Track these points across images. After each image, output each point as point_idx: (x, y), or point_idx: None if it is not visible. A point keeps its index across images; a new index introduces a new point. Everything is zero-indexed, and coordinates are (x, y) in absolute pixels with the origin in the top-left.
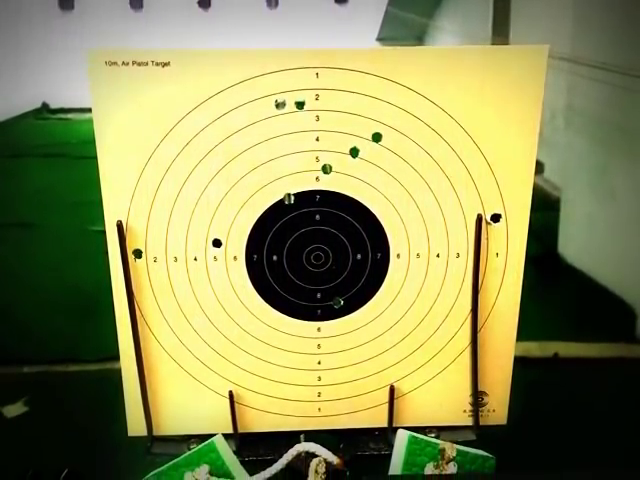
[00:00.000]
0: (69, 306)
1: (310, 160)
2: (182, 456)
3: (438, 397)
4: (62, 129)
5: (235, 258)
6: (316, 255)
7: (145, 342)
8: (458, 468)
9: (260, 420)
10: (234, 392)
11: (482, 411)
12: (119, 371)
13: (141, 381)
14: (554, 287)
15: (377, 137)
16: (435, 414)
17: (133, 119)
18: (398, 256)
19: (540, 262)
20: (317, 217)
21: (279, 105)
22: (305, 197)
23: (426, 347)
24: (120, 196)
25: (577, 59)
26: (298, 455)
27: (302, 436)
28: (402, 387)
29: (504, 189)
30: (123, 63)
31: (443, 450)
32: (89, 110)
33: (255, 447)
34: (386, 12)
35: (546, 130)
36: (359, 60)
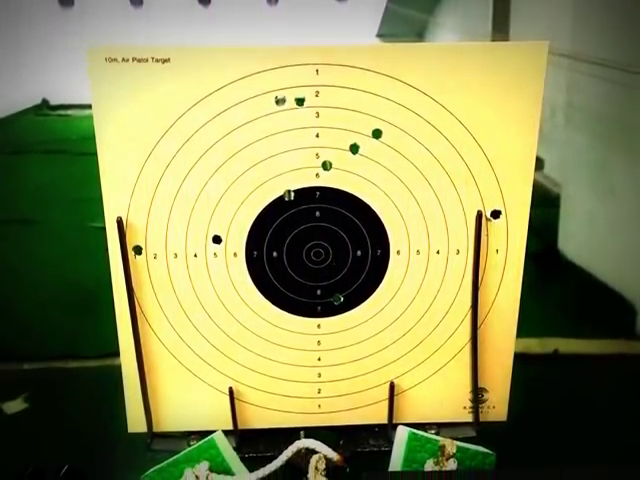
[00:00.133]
0: (69, 302)
1: (310, 156)
2: (182, 452)
3: (438, 394)
4: (62, 125)
5: (235, 255)
6: (316, 252)
7: (145, 338)
8: (458, 464)
9: (260, 416)
10: (234, 388)
11: (482, 407)
12: (119, 367)
13: (141, 377)
14: (554, 283)
15: (377, 134)
16: (435, 411)
17: (133, 115)
18: (398, 253)
19: (540, 258)
20: (317, 214)
21: (279, 102)
22: (305, 194)
23: (426, 344)
24: (120, 192)
25: (577, 56)
26: (298, 452)
27: (302, 433)
28: (402, 384)
29: (504, 185)
30: (123, 59)
31: (443, 446)
32: (89, 106)
33: (255, 444)
34: (386, 9)
35: (546, 126)
36: (359, 57)
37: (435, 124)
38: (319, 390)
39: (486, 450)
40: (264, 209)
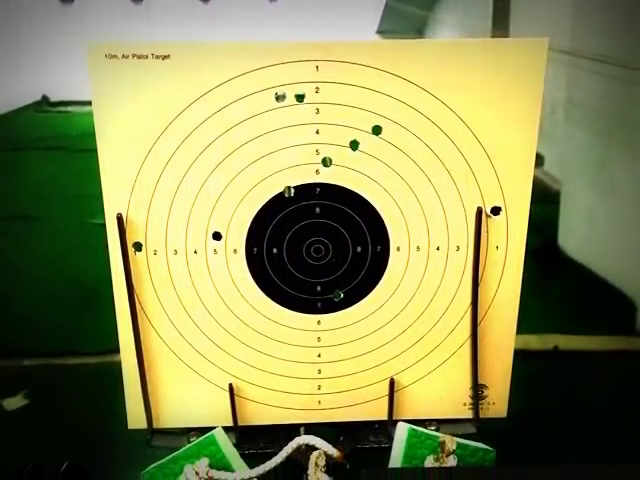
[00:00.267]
0: (69, 299)
1: (310, 153)
2: (182, 449)
3: (438, 390)
4: (62, 122)
5: (235, 251)
6: (316, 248)
7: (145, 335)
8: (458, 461)
9: (260, 413)
10: (234, 385)
11: (482, 404)
12: (119, 364)
13: (141, 374)
14: (554, 280)
15: (377, 130)
16: (435, 407)
17: (133, 112)
18: (398, 249)
19: (540, 255)
20: (317, 210)
21: (279, 98)
22: (305, 190)
23: (426, 340)
24: (120, 189)
25: (577, 52)
26: (298, 448)
27: (302, 429)
28: (402, 380)
29: (504, 182)
30: (123, 56)
31: (443, 443)
32: (89, 103)
33: (255, 440)
34: (386, 5)
35: (546, 123)
36: (359, 53)
37: (435, 120)
38: (319, 386)
39: (486, 446)
40: (264, 205)
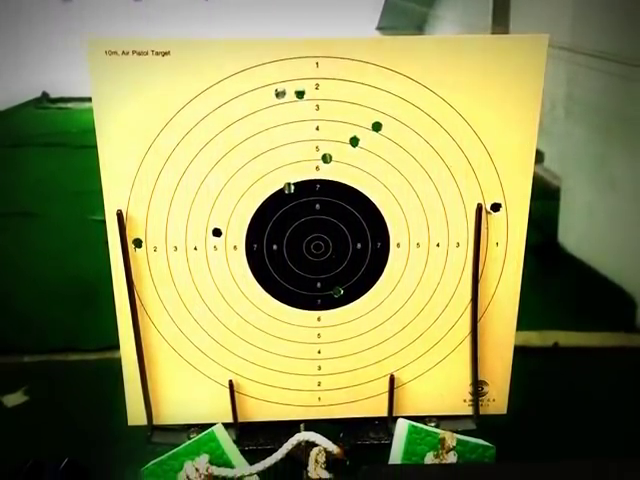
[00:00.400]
0: (69, 295)
1: (310, 149)
2: (182, 445)
3: (438, 386)
4: (62, 118)
5: (235, 247)
6: (316, 244)
7: (145, 332)
8: (458, 457)
9: (260, 409)
10: (234, 381)
11: (482, 400)
12: (119, 360)
13: (141, 370)
14: (554, 276)
15: (377, 126)
16: (435, 403)
17: (133, 108)
18: (398, 245)
19: (540, 251)
20: (317, 206)
21: (279, 94)
22: (305, 186)
23: (426, 336)
24: (120, 185)
25: (577, 48)
26: (298, 444)
27: (302, 425)
28: (402, 376)
29: (504, 178)
30: (123, 52)
31: (443, 439)
32: (89, 99)
33: (255, 436)
34: (386, 1)
35: (546, 119)
36: (359, 49)
37: (435, 117)
38: (319, 383)
39: (486, 443)
40: (264, 202)
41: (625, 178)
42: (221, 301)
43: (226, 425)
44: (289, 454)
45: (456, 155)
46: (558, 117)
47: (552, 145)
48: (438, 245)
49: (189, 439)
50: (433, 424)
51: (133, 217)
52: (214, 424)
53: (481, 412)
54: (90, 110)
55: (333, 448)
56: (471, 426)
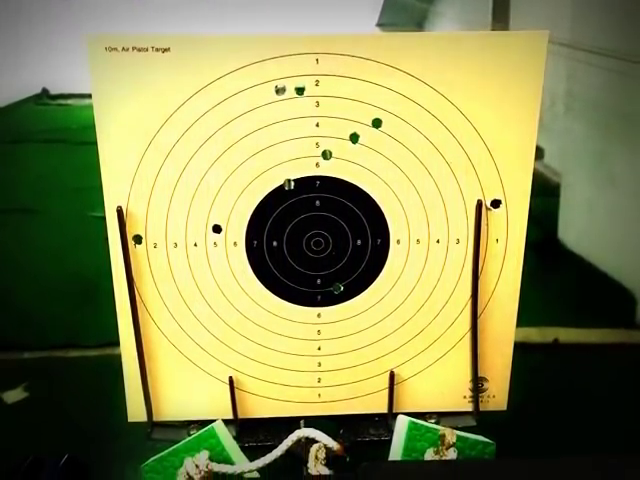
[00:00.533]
0: (69, 292)
1: (310, 146)
2: (182, 442)
3: (438, 383)
4: (62, 115)
5: (235, 244)
6: (316, 241)
7: (145, 328)
8: (458, 454)
9: (260, 406)
10: (234, 378)
11: (482, 397)
12: (119, 357)
13: (141, 367)
14: (554, 273)
15: (377, 123)
16: (435, 400)
17: (133, 105)
18: (398, 242)
19: (540, 248)
20: (317, 203)
21: (279, 91)
22: (305, 183)
23: (426, 333)
24: (120, 182)
25: (577, 45)
26: (298, 441)
27: (302, 422)
28: (402, 373)
29: (504, 175)
30: (123, 49)
31: (443, 436)
32: (89, 96)
33: (255, 433)
34: None
35: (546, 116)
36: (359, 46)
37: (435, 113)
38: (319, 379)
39: (486, 439)
40: (264, 198)
41: (625, 174)
42: (221, 297)
43: (226, 421)
44: (289, 450)
45: (456, 151)
46: (558, 113)
47: (552, 141)
48: (438, 241)
49: (189, 435)
50: (433, 420)
51: (133, 213)
52: (214, 420)
53: (481, 408)
54: (90, 106)
55: (333, 444)
56: (471, 422)
